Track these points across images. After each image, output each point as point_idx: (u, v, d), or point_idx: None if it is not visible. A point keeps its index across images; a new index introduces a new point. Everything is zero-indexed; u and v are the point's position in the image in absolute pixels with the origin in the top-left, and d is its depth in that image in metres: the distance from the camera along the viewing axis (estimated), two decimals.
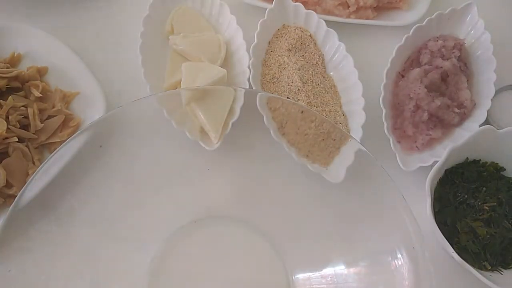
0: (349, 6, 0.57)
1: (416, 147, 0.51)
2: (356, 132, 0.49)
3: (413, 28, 0.54)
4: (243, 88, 0.50)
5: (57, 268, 0.39)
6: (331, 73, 0.55)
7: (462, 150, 0.47)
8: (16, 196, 0.35)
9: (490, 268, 0.45)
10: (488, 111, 0.51)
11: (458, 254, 0.42)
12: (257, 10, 0.57)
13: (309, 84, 0.51)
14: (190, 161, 0.46)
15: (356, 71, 0.52)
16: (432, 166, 0.46)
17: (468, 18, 0.56)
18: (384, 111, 0.50)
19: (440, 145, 0.52)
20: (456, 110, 0.51)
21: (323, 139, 0.44)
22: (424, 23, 0.54)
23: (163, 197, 0.44)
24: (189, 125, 0.46)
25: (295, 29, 0.55)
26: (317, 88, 0.52)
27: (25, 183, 0.35)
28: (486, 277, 0.41)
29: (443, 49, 0.53)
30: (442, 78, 0.52)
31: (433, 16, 0.54)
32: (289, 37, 0.54)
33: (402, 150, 0.51)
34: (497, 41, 0.53)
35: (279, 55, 0.54)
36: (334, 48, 0.54)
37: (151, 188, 0.44)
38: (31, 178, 0.35)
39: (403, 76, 0.54)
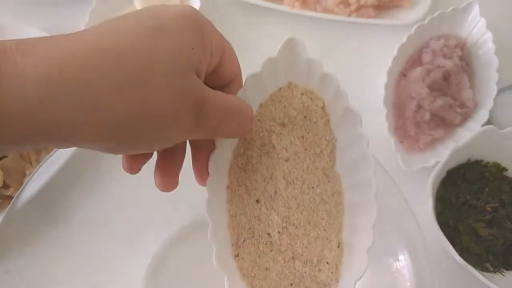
0: (350, 5, 0.57)
1: (418, 147, 0.50)
2: None
3: (415, 27, 0.53)
4: None
5: (56, 268, 0.38)
6: (341, 171, 0.31)
7: (464, 150, 0.46)
8: (13, 196, 0.35)
9: (492, 269, 0.44)
10: (490, 111, 0.51)
11: (460, 255, 0.41)
12: (257, 10, 0.57)
13: (297, 185, 0.31)
14: (190, 161, 0.46)
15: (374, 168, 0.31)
16: (434, 166, 0.46)
17: (470, 17, 0.55)
18: (385, 110, 0.50)
19: (442, 145, 0.51)
20: (458, 110, 0.51)
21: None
22: (425, 22, 0.54)
23: (163, 197, 0.44)
24: None
25: (302, 93, 0.32)
26: (308, 194, 0.31)
27: (22, 184, 0.35)
28: (488, 279, 0.41)
29: (445, 48, 0.53)
30: (444, 77, 0.52)
31: (435, 15, 0.54)
32: (290, 103, 0.32)
33: (404, 150, 0.50)
34: (499, 41, 0.53)
35: (266, 130, 0.31)
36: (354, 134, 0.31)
37: (151, 188, 0.43)
38: (28, 178, 0.35)
39: (404, 76, 0.53)
